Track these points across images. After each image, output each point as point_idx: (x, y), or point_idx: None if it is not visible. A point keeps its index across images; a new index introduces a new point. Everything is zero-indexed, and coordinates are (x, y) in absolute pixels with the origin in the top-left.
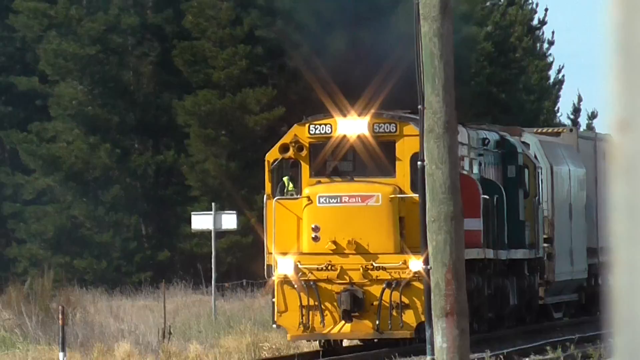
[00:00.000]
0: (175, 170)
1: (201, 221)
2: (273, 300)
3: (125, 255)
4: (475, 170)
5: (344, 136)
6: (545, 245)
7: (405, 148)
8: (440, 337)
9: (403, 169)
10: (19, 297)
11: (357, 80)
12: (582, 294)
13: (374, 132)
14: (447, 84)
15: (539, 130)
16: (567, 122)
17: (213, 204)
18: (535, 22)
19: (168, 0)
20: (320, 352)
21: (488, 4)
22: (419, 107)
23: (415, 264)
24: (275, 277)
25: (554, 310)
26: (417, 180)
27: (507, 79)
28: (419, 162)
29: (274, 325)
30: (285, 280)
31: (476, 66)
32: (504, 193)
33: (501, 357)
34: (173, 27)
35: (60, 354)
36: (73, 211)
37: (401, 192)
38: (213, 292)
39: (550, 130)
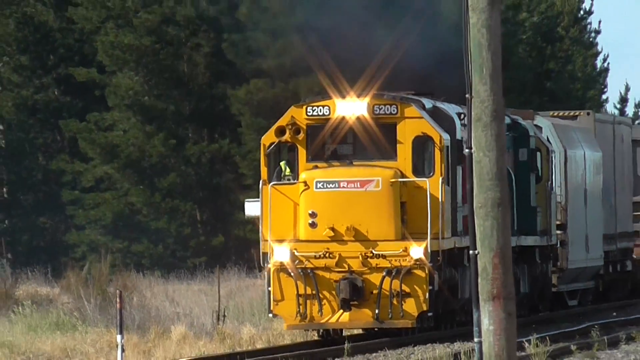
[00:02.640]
0: (230, 158)
1: (254, 208)
2: (269, 289)
3: (180, 241)
4: None
5: (343, 118)
6: (559, 232)
7: (406, 130)
8: (487, 320)
9: (404, 152)
10: (77, 281)
11: (358, 61)
12: (599, 281)
13: (374, 114)
14: (495, 74)
15: (555, 113)
16: (615, 111)
17: None
18: (581, 12)
19: None
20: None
21: None
22: (467, 96)
23: (417, 251)
24: (271, 265)
25: (568, 298)
26: (419, 163)
27: (553, 68)
28: (466, 150)
29: (270, 315)
30: (282, 268)
31: (524, 55)
32: (513, 177)
33: (547, 339)
34: (227, 18)
35: (118, 337)
36: (130, 198)
37: (402, 176)
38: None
39: (566, 113)
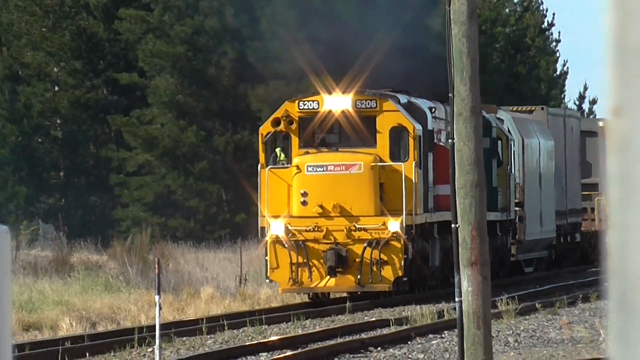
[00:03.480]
0: (250, 147)
1: None
2: (266, 258)
3: (208, 217)
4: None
5: (330, 111)
6: (517, 208)
7: (384, 122)
8: (466, 283)
9: (383, 140)
10: (122, 250)
11: (343, 61)
12: (552, 251)
13: (356, 108)
14: (473, 76)
15: (514, 108)
16: (573, 107)
17: None
18: (545, 25)
19: (245, 7)
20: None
21: (507, 10)
22: (450, 95)
23: (393, 225)
24: (268, 237)
25: (525, 266)
26: (395, 150)
27: (522, 72)
28: (449, 140)
29: (267, 280)
30: (277, 240)
31: (497, 61)
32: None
33: (516, 298)
34: (248, 30)
35: (156, 297)
36: (167, 181)
37: (381, 160)
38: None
39: (524, 108)
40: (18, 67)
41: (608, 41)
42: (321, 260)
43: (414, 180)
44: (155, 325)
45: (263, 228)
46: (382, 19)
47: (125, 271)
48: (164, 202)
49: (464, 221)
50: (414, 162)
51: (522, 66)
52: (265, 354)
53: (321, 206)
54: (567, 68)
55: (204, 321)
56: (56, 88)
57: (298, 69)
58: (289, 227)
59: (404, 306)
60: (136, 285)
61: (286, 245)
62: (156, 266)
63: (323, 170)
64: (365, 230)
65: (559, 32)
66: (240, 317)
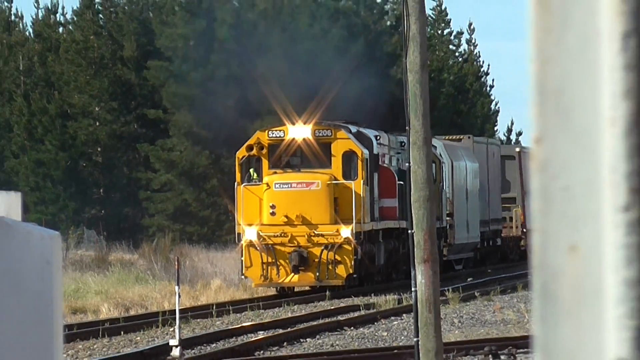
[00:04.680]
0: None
1: None
2: (241, 258)
3: (218, 224)
4: (394, 164)
5: (293, 139)
6: (448, 218)
7: (338, 148)
8: (420, 276)
9: (337, 162)
10: (149, 251)
11: (305, 98)
12: (477, 253)
13: (315, 136)
14: (425, 113)
15: (446, 137)
16: (504, 138)
17: None
18: (481, 73)
19: (246, 58)
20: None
21: (451, 62)
22: (407, 127)
23: (345, 231)
24: (243, 241)
25: (455, 264)
26: (347, 171)
27: (463, 110)
28: (406, 164)
29: (242, 277)
30: (251, 244)
31: (444, 101)
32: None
33: (460, 289)
34: (248, 77)
35: (176, 287)
36: (184, 196)
37: (335, 179)
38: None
39: (453, 137)
40: (67, 107)
41: (531, 85)
42: (287, 260)
43: (362, 195)
44: (175, 309)
45: (239, 234)
46: (356, 70)
47: (151, 267)
48: (182, 213)
49: (418, 228)
50: (362, 180)
51: (463, 105)
52: (262, 332)
53: (287, 216)
54: (498, 107)
55: (214, 306)
56: (97, 123)
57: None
58: (260, 233)
59: (355, 297)
60: (160, 278)
61: (258, 248)
62: (176, 263)
63: (288, 187)
64: (322, 235)
65: (492, 79)
66: (242, 303)
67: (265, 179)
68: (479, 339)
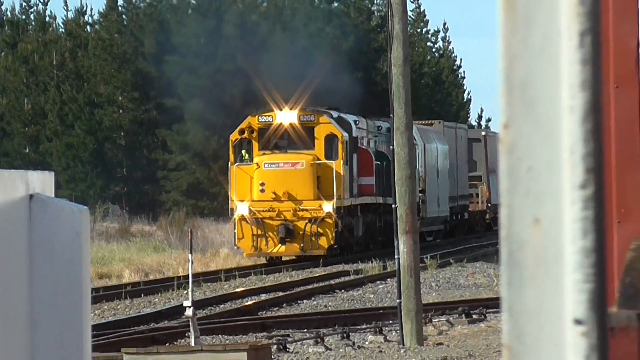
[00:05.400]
0: None
1: None
2: (234, 231)
3: (226, 199)
4: (372, 146)
5: (281, 123)
6: (420, 194)
7: (321, 131)
8: (402, 245)
9: (319, 144)
10: (166, 223)
11: (292, 83)
12: (447, 225)
13: (300, 121)
14: (407, 102)
15: (420, 122)
16: (475, 123)
17: None
18: (455, 66)
19: (250, 52)
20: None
21: (429, 57)
22: (391, 115)
23: (327, 206)
24: (236, 215)
25: (426, 236)
26: (329, 152)
27: (440, 99)
28: (391, 147)
29: (235, 247)
30: (243, 218)
31: (424, 92)
32: (391, 161)
33: (437, 257)
34: (252, 69)
35: (189, 255)
36: (196, 175)
37: (318, 159)
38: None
39: (426, 122)
40: (94, 97)
41: (500, 77)
42: (274, 233)
43: (342, 174)
44: (188, 274)
45: (232, 209)
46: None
47: (168, 237)
48: (194, 189)
49: (401, 203)
50: (342, 161)
51: (440, 95)
52: (265, 294)
53: (274, 193)
54: (470, 97)
55: (222, 272)
56: (120, 110)
57: (286, 95)
58: (251, 208)
59: (337, 265)
60: (175, 247)
61: (249, 222)
62: (189, 234)
63: (276, 167)
64: (306, 210)
65: (464, 72)
66: (247, 269)
67: (256, 159)
68: (454, 301)
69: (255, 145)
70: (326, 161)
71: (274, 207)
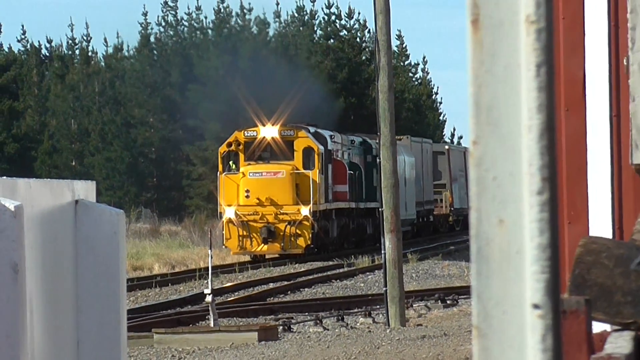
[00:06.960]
0: None
1: None
2: (223, 232)
3: None
4: (346, 157)
5: (264, 137)
6: None
7: (299, 144)
8: (387, 242)
9: (298, 156)
10: (189, 224)
11: (273, 102)
12: (414, 227)
13: (281, 135)
14: (391, 123)
15: None
16: (448, 140)
17: None
18: (433, 93)
19: (261, 82)
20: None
21: (410, 85)
22: (378, 133)
23: (305, 210)
24: (224, 218)
25: None
26: (306, 163)
27: (419, 120)
28: (378, 159)
29: (223, 246)
30: (230, 221)
31: (406, 114)
32: (363, 171)
33: (417, 252)
34: (262, 95)
35: (209, 250)
36: (215, 183)
37: (297, 169)
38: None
39: (395, 137)
40: (130, 118)
41: (470, 102)
42: (258, 234)
43: (318, 182)
44: (208, 267)
45: (221, 213)
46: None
47: (191, 236)
48: (213, 196)
49: (387, 206)
50: (318, 170)
51: (419, 117)
52: (272, 283)
53: (258, 199)
54: (445, 118)
55: (237, 265)
56: (152, 130)
57: (293, 118)
58: (237, 212)
59: (313, 261)
60: (197, 244)
61: (235, 224)
62: (209, 233)
63: (260, 175)
64: (286, 214)
65: (441, 98)
66: (257, 262)
67: (242, 169)
68: (431, 289)
69: (241, 156)
70: (304, 171)
71: (258, 211)
